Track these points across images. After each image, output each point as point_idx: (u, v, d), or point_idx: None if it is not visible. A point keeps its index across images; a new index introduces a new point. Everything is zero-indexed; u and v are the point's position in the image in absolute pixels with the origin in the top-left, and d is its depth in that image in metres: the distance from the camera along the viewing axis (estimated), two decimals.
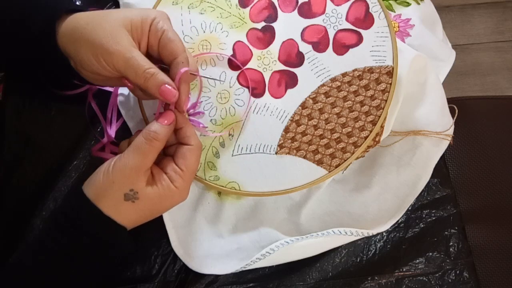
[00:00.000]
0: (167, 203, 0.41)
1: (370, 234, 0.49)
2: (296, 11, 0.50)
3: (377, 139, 0.49)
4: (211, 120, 0.49)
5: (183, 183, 0.40)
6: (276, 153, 0.48)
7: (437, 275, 0.50)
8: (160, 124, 0.39)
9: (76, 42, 0.40)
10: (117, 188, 0.38)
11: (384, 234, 0.51)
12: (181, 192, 0.40)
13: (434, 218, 0.52)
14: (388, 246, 0.51)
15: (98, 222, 0.39)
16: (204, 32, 0.50)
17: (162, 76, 0.39)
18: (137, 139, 0.39)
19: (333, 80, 0.49)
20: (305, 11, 0.50)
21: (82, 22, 0.40)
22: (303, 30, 0.50)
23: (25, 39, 0.42)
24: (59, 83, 0.50)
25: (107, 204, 0.39)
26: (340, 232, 0.46)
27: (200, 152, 0.42)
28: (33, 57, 0.43)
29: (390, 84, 0.48)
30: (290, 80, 0.49)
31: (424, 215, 0.52)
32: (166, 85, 0.39)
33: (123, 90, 0.53)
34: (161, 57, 0.42)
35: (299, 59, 0.49)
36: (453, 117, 0.53)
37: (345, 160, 0.48)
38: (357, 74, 0.48)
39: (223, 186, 0.48)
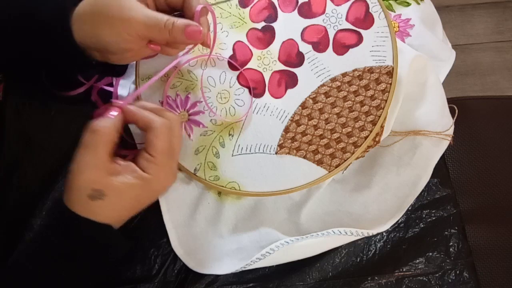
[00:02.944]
0: (148, 192, 0.40)
1: (370, 234, 0.49)
2: (296, 11, 0.50)
3: (377, 139, 0.49)
4: (211, 120, 0.49)
5: (157, 167, 0.39)
6: (276, 153, 0.48)
7: (437, 275, 0.50)
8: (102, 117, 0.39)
9: (94, 30, 0.40)
10: (78, 191, 0.38)
11: (384, 234, 0.51)
12: (158, 177, 0.39)
13: (434, 218, 0.52)
14: (388, 246, 0.51)
15: (80, 225, 0.38)
16: None
17: (182, 20, 0.40)
18: (83, 136, 0.39)
19: (333, 80, 0.49)
20: (305, 11, 0.50)
21: (86, 9, 0.40)
22: (303, 30, 0.50)
23: (36, 30, 0.42)
24: (62, 81, 0.50)
25: (78, 207, 0.38)
26: (340, 232, 0.46)
27: (167, 129, 0.40)
28: (43, 50, 0.43)
29: (390, 84, 0.48)
30: (290, 80, 0.49)
31: (424, 215, 0.52)
32: (189, 27, 0.40)
33: (123, 91, 0.53)
34: (171, 5, 0.43)
35: (299, 59, 0.49)
36: (453, 117, 0.53)
37: (345, 160, 0.48)
38: (357, 74, 0.48)
39: (223, 186, 0.48)
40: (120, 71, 0.49)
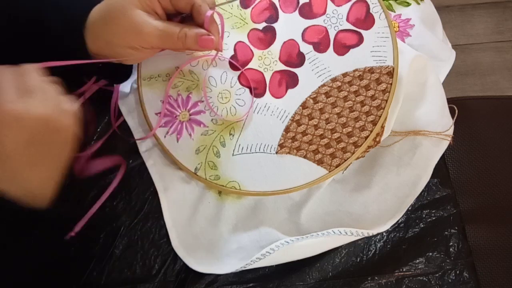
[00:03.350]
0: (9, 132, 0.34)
1: (370, 234, 0.49)
2: (297, 11, 0.50)
3: (377, 139, 0.49)
4: (212, 119, 0.49)
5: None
6: (276, 152, 0.48)
7: (437, 275, 0.50)
8: None
9: (108, 43, 0.41)
10: None
11: (384, 234, 0.51)
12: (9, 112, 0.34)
13: (434, 218, 0.52)
14: (388, 246, 0.51)
15: None
16: None
17: (193, 31, 0.42)
18: None
19: (334, 80, 0.49)
20: (306, 12, 0.50)
21: (98, 22, 0.41)
22: (304, 30, 0.50)
23: (48, 41, 0.42)
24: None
25: None
26: (340, 232, 0.46)
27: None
28: (53, 58, 0.42)
29: (391, 84, 0.48)
30: (291, 80, 0.49)
31: (424, 215, 0.52)
32: (201, 37, 0.42)
33: (123, 89, 0.53)
34: (178, 10, 0.44)
35: (300, 59, 0.50)
36: (453, 117, 0.53)
37: (345, 160, 0.48)
38: (358, 74, 0.48)
39: (223, 186, 0.48)
40: (124, 77, 0.50)
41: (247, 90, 0.49)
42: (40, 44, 0.42)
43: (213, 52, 0.50)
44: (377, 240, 0.51)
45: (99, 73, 0.48)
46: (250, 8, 0.51)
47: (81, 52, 0.42)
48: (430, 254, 0.51)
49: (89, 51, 0.42)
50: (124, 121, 0.52)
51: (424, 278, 0.50)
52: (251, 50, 0.50)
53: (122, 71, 0.48)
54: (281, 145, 0.48)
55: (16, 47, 0.43)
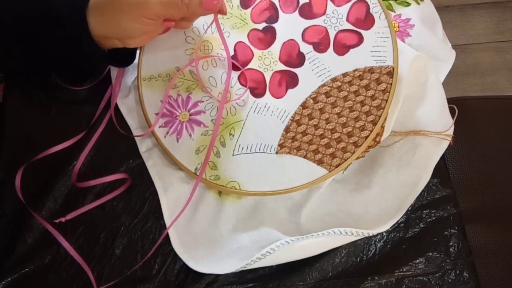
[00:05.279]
0: None
1: (370, 234, 0.49)
2: (297, 12, 0.50)
3: (377, 139, 0.49)
4: (212, 119, 0.49)
5: None
6: (276, 152, 0.48)
7: (437, 275, 0.50)
8: None
9: (114, 20, 0.42)
10: None
11: (384, 234, 0.51)
12: None
13: (434, 218, 0.52)
14: (388, 246, 0.51)
15: None
16: (206, 32, 0.50)
17: None
18: None
19: (334, 80, 0.49)
20: (306, 12, 0.50)
21: (101, 1, 0.42)
22: (304, 30, 0.50)
23: (52, 28, 0.43)
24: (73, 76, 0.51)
25: None
26: (340, 232, 0.46)
27: None
28: (59, 45, 0.44)
29: (391, 84, 0.48)
30: (291, 80, 0.49)
31: (424, 215, 0.52)
32: None
33: (124, 87, 0.53)
34: None
35: (300, 59, 0.50)
36: (453, 117, 0.53)
37: (345, 160, 0.48)
38: (358, 74, 0.48)
39: (223, 186, 0.48)
40: (129, 60, 0.50)
41: (248, 90, 0.49)
42: (47, 32, 0.43)
43: (214, 53, 0.50)
44: (377, 240, 0.51)
45: (105, 60, 0.48)
46: (250, 8, 0.51)
47: (84, 35, 0.42)
48: (430, 254, 0.51)
49: (93, 35, 0.42)
50: (123, 120, 0.52)
51: (424, 278, 0.50)
52: (251, 50, 0.50)
53: (127, 55, 0.48)
54: (281, 145, 0.48)
55: (23, 37, 0.43)
